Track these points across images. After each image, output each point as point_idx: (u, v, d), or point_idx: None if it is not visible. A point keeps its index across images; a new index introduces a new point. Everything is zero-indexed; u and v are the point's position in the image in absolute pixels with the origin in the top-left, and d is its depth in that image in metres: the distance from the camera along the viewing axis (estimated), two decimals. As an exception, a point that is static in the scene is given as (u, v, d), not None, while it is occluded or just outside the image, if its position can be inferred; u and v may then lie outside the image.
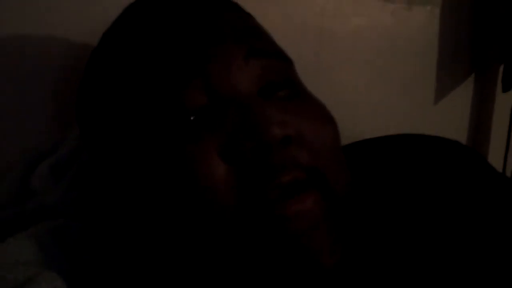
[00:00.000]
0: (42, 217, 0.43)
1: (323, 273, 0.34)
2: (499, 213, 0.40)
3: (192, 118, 0.35)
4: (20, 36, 0.51)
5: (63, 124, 0.52)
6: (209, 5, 0.39)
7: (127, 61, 0.38)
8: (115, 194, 0.40)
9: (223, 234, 0.34)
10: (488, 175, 0.43)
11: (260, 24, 0.42)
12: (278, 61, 0.39)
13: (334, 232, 0.34)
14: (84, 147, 0.45)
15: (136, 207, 0.38)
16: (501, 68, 0.77)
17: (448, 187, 0.41)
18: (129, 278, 0.40)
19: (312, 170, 0.35)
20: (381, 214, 0.40)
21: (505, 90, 0.75)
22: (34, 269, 0.36)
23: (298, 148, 0.35)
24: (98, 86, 0.40)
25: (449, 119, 0.81)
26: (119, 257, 0.41)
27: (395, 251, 0.38)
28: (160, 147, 0.35)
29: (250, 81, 0.36)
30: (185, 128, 0.35)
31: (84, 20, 0.53)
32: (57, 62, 0.53)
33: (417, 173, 0.42)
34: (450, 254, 0.38)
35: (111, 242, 0.42)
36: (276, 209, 0.33)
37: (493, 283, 0.36)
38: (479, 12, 0.79)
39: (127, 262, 0.41)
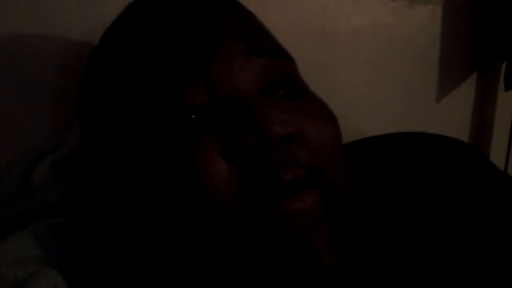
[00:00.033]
0: (43, 214, 0.43)
1: (323, 272, 0.34)
2: (501, 212, 0.39)
3: (192, 117, 0.35)
4: (20, 36, 0.51)
5: (63, 124, 0.52)
6: (210, 3, 0.39)
7: (128, 60, 0.38)
8: (116, 193, 0.40)
9: (223, 233, 0.33)
10: (490, 173, 0.43)
11: (262, 23, 0.42)
12: (280, 60, 0.38)
13: (334, 231, 0.34)
14: (85, 146, 0.45)
15: (137, 206, 0.38)
16: (504, 66, 0.76)
17: (449, 185, 0.41)
18: (129, 275, 0.40)
19: (313, 168, 0.34)
20: (382, 213, 0.40)
21: (507, 88, 0.75)
22: (34, 266, 0.36)
23: (299, 147, 0.34)
24: (99, 85, 0.40)
25: (451, 117, 0.81)
26: (119, 255, 0.41)
27: (396, 250, 0.38)
28: (161, 146, 0.35)
29: (252, 80, 0.36)
30: (185, 127, 0.35)
31: (84, 19, 0.53)
32: (57, 62, 0.53)
33: (419, 171, 0.42)
34: (451, 253, 0.37)
35: (112, 239, 0.42)
36: (275, 207, 0.33)
37: (495, 282, 0.36)
38: (481, 9, 0.79)
39: (127, 260, 0.41)
